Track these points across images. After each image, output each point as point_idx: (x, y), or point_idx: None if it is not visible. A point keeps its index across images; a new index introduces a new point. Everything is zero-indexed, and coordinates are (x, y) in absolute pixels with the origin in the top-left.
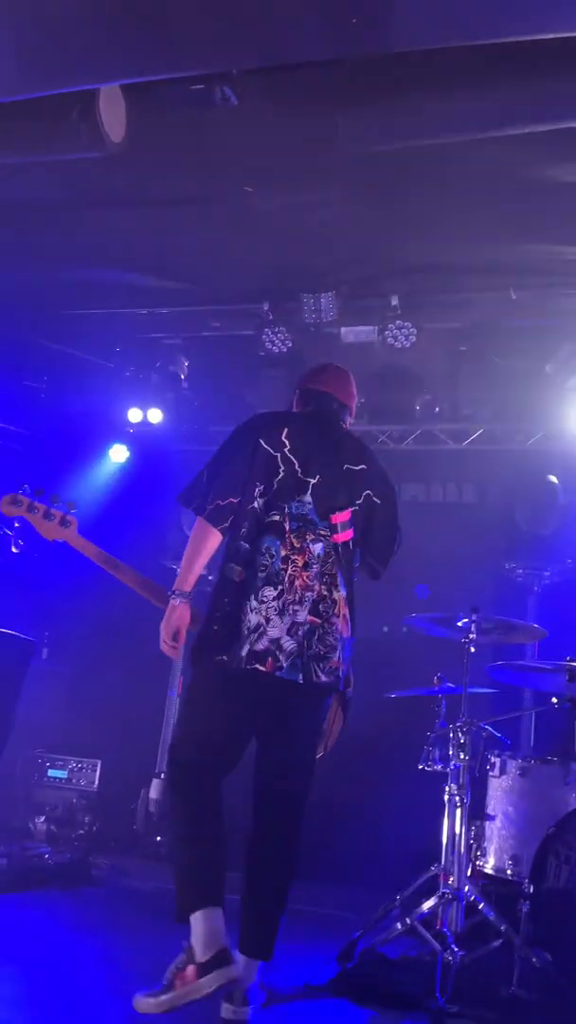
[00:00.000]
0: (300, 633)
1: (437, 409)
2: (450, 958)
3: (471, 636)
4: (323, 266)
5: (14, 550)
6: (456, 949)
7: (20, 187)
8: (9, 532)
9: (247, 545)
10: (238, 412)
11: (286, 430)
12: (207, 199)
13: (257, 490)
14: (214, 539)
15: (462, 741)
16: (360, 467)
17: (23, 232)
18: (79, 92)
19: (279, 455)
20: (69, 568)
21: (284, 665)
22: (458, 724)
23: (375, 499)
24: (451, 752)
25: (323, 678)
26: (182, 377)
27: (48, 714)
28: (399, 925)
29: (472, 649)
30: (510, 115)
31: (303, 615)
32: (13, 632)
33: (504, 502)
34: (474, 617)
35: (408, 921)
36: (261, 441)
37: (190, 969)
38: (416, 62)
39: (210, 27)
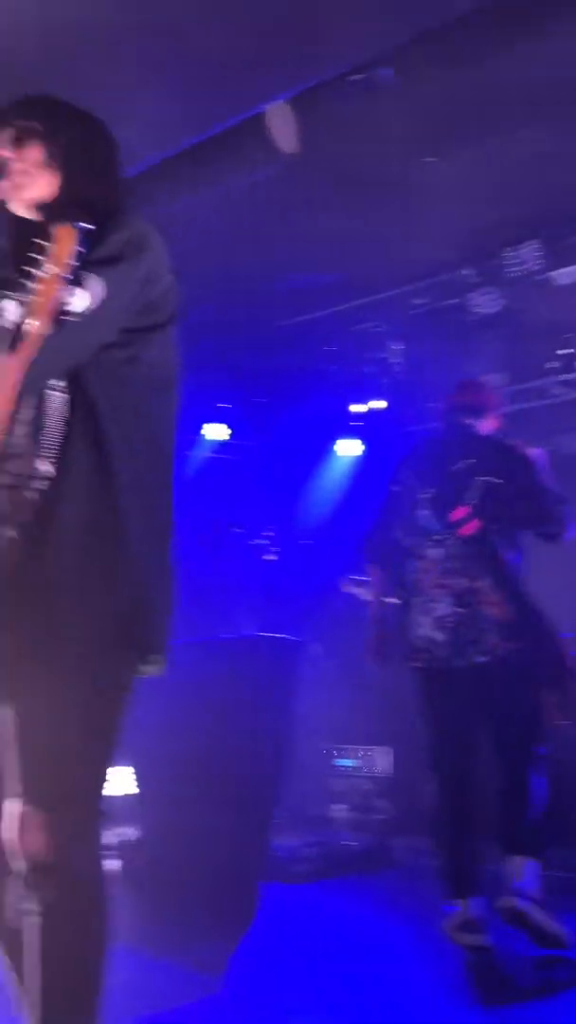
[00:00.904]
0: (448, 625)
1: None
2: None
3: None
4: (520, 214)
5: (272, 558)
6: None
7: (210, 215)
8: (265, 541)
9: (399, 572)
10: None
11: (407, 465)
12: (387, 181)
13: (398, 525)
14: (380, 574)
15: None
16: (468, 462)
17: (220, 257)
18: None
19: (403, 489)
20: (320, 569)
21: (442, 655)
22: None
23: (496, 481)
24: None
25: (481, 659)
26: (396, 361)
27: (332, 708)
28: None
29: None
30: None
31: (444, 609)
32: (281, 635)
33: None
34: None
35: None
36: (392, 487)
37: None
38: None
39: (352, 19)
